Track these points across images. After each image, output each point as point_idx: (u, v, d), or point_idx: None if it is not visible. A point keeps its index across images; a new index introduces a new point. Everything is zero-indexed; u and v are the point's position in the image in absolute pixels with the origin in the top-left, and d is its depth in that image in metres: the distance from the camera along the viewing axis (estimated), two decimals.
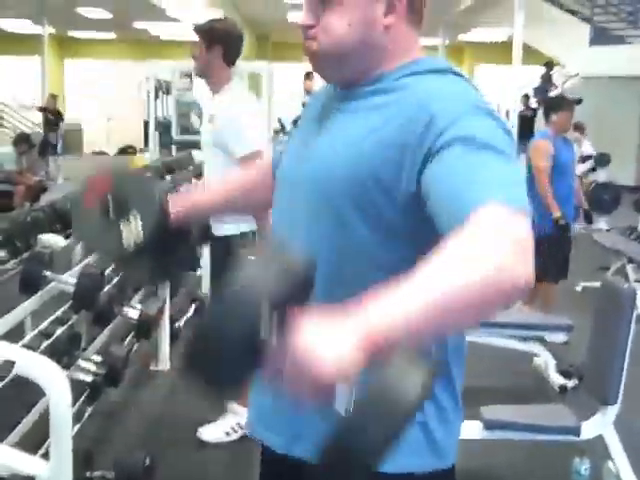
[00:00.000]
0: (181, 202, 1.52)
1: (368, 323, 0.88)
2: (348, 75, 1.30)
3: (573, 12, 13.26)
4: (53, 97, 14.76)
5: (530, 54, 12.84)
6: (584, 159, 10.78)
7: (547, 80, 14.72)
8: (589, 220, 6.59)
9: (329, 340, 0.86)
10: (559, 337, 4.85)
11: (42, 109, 14.24)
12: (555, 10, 13.31)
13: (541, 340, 4.49)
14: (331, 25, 1.24)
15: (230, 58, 3.32)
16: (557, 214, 4.81)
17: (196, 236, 1.62)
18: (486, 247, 0.95)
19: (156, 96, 11.36)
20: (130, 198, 1.38)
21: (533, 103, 14.90)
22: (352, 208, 1.21)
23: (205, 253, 4.69)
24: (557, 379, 4.33)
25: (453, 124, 1.12)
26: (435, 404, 1.26)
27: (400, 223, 1.20)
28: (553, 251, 4.90)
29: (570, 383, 4.28)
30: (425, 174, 1.13)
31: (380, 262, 1.22)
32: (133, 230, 1.35)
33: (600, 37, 12.83)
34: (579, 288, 6.52)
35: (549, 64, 13.37)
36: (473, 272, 0.93)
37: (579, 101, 5.39)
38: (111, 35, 19.09)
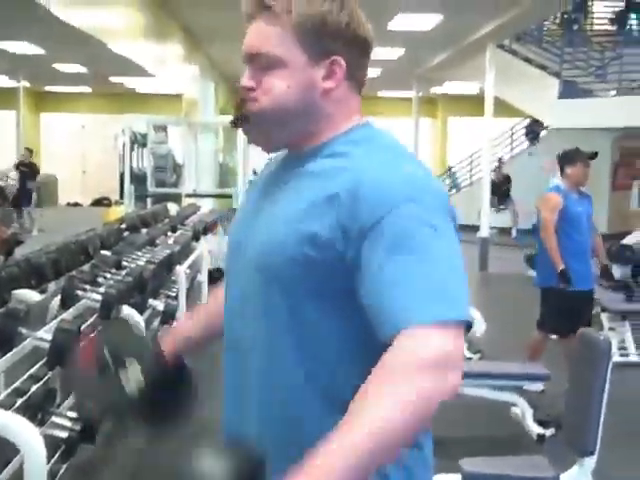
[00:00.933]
0: (172, 339, 1.51)
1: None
2: (286, 139, 1.31)
3: (542, 67, 13.57)
4: (29, 150, 14.78)
5: (501, 107, 13.09)
6: None
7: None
8: (608, 277, 6.32)
9: None
10: (536, 386, 4.89)
11: (17, 166, 14.27)
12: (525, 65, 13.62)
13: (518, 389, 4.50)
14: (271, 86, 1.26)
15: None
16: (560, 267, 4.83)
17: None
18: (407, 381, 1.05)
19: (132, 148, 11.41)
20: (123, 348, 1.41)
21: (505, 170, 15.16)
22: (303, 294, 1.22)
23: None
24: (535, 428, 4.33)
25: (383, 218, 1.14)
26: (407, 474, 1.26)
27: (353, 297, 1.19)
28: (556, 303, 4.99)
29: (548, 432, 4.28)
30: (358, 272, 1.16)
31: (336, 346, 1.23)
32: (132, 377, 1.37)
33: (569, 91, 13.13)
34: (554, 336, 6.55)
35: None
36: (399, 409, 1.04)
37: (594, 155, 5.36)
38: (87, 89, 19.20)
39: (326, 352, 1.22)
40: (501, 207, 14.13)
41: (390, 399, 1.04)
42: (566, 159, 5.11)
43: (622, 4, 15.30)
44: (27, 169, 14.38)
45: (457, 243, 1.19)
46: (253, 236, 1.28)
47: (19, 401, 2.49)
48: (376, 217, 1.14)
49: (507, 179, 14.56)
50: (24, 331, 2.68)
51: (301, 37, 1.25)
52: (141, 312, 4.47)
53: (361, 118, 1.33)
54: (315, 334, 1.22)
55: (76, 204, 20.11)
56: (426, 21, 10.15)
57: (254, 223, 1.30)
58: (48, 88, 19.59)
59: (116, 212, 10.26)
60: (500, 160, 14.84)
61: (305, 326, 1.22)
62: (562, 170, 5.09)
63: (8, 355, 2.65)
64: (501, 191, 14.19)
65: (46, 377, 2.88)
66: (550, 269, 4.90)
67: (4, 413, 2.18)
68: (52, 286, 4.18)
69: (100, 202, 19.14)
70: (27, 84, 16.15)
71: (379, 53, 12.80)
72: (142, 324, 4.08)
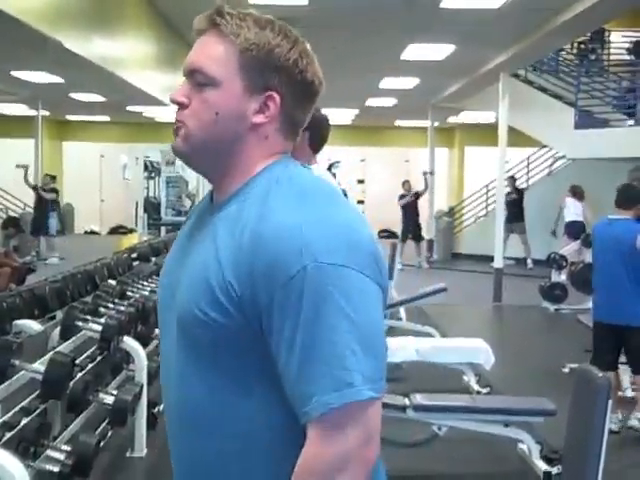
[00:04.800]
0: None
1: None
2: (207, 167, 1.28)
3: (558, 97, 13.55)
4: (52, 178, 14.85)
5: (517, 136, 13.07)
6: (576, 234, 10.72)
7: None
8: None
9: None
10: (543, 421, 4.80)
11: (34, 187, 14.33)
12: (541, 95, 13.61)
13: (525, 425, 4.43)
14: (200, 109, 1.23)
15: (316, 144, 3.30)
16: None
17: None
18: None
19: (150, 177, 11.53)
20: None
21: (520, 184, 15.08)
22: (223, 352, 1.19)
23: None
24: (541, 465, 4.25)
25: (292, 278, 1.10)
26: None
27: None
28: None
29: (554, 470, 4.20)
30: (270, 337, 1.14)
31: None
32: None
33: (585, 121, 13.09)
34: (566, 370, 6.47)
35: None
36: None
37: None
38: (106, 118, 19.42)
39: (250, 435, 1.19)
40: (511, 228, 13.64)
41: None
42: None
43: None
44: (48, 195, 14.41)
45: (375, 301, 1.15)
46: (178, 284, 1.24)
47: (8, 435, 2.48)
48: (286, 274, 1.10)
49: (519, 193, 14.31)
50: (17, 363, 2.67)
51: (242, 64, 1.21)
52: (146, 344, 4.47)
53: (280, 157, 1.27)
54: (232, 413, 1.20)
55: (93, 232, 20.24)
56: (439, 51, 10.18)
57: (180, 270, 1.26)
58: (69, 117, 19.82)
59: (130, 240, 10.32)
60: (512, 177, 14.69)
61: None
62: None
63: (1, 387, 2.65)
64: (514, 210, 13.94)
65: (39, 409, 2.88)
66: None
67: None
68: (59, 314, 4.20)
69: (117, 230, 19.26)
70: (46, 113, 16.35)
71: (394, 83, 12.87)
72: (144, 357, 4.08)
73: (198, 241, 1.25)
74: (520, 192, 14.43)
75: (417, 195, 14.85)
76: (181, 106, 1.25)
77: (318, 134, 3.27)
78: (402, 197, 14.89)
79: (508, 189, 13.73)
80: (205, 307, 1.15)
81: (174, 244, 1.38)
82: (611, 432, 2.81)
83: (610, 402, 2.70)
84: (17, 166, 13.69)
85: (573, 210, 11.92)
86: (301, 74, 1.24)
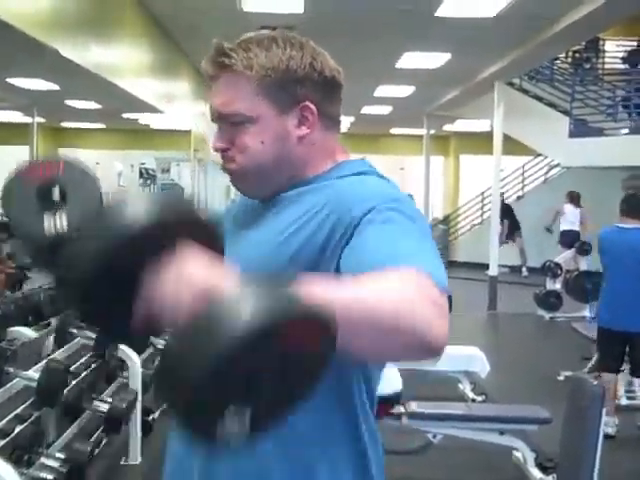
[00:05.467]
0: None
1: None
2: (269, 190, 1.30)
3: (553, 105, 13.59)
4: None
5: (514, 145, 13.10)
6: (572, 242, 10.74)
7: None
8: None
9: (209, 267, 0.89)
10: (538, 429, 4.80)
11: None
12: (535, 103, 13.65)
13: (520, 432, 4.42)
14: (245, 145, 1.25)
15: None
16: None
17: None
18: (414, 290, 0.95)
19: (145, 184, 11.51)
20: (70, 189, 1.28)
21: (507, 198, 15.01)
22: None
23: None
24: (536, 473, 4.25)
25: (371, 212, 1.14)
26: None
27: None
28: None
29: (550, 478, 4.19)
30: (344, 253, 1.14)
31: None
32: (59, 221, 1.24)
33: (579, 129, 13.13)
34: (561, 378, 6.48)
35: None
36: (400, 299, 0.93)
37: None
38: (101, 125, 19.41)
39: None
40: (505, 240, 13.71)
41: (394, 291, 0.94)
42: None
43: (634, 43, 15.34)
44: None
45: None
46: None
47: (2, 442, 2.48)
48: (363, 210, 1.14)
49: (507, 209, 14.27)
50: (11, 370, 2.67)
51: (267, 90, 1.23)
52: (140, 351, 4.46)
53: (344, 155, 1.32)
54: None
55: None
56: (434, 60, 10.20)
57: (233, 251, 1.28)
58: (65, 124, 19.81)
59: None
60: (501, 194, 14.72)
61: None
62: None
63: None
64: (509, 226, 14.00)
65: (33, 416, 2.87)
66: None
67: None
68: (54, 322, 4.20)
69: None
70: (42, 120, 16.35)
71: (389, 91, 12.88)
72: (138, 364, 4.07)
73: (257, 225, 1.28)
74: (506, 205, 14.29)
75: None
76: (225, 151, 1.28)
77: None
78: None
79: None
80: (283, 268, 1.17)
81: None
82: (607, 436, 2.81)
83: (604, 410, 2.71)
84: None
85: (570, 218, 11.93)
86: (320, 74, 1.27)
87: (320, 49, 1.30)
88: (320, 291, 0.87)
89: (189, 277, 0.86)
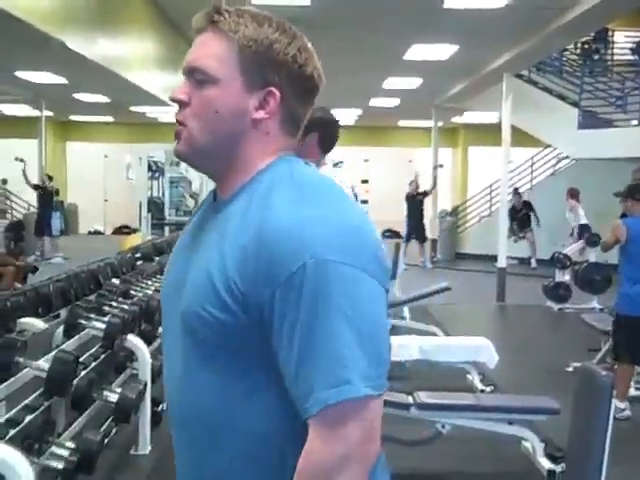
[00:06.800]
0: None
1: None
2: (208, 168, 1.28)
3: (562, 97, 13.54)
4: (49, 178, 14.91)
5: (522, 136, 13.05)
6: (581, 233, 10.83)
7: None
8: None
9: None
10: (547, 420, 4.80)
11: (37, 187, 14.36)
12: (544, 95, 13.60)
13: (529, 423, 4.42)
14: (200, 109, 1.22)
15: (325, 145, 3.30)
16: None
17: None
18: None
19: (153, 177, 11.54)
20: None
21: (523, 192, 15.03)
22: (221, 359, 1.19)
23: None
24: (545, 463, 4.25)
25: (294, 273, 1.10)
26: None
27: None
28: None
29: (558, 468, 4.19)
30: (271, 329, 1.14)
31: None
32: None
33: (588, 121, 13.07)
34: (570, 369, 6.46)
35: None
36: None
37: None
38: (110, 118, 19.44)
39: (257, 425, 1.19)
40: (521, 235, 13.91)
41: None
42: None
43: None
44: (45, 194, 14.46)
45: (376, 299, 1.14)
46: (183, 283, 1.24)
47: (12, 432, 2.49)
48: (287, 271, 1.10)
49: (527, 205, 14.37)
50: (21, 360, 2.68)
51: (242, 60, 1.21)
52: (149, 342, 4.48)
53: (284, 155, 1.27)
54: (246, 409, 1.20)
55: (97, 232, 20.28)
56: (442, 51, 10.18)
57: (185, 268, 1.25)
58: (73, 117, 19.86)
59: (134, 240, 10.33)
60: (516, 190, 14.72)
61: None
62: None
63: (5, 384, 2.65)
64: (520, 218, 14.02)
65: (43, 406, 2.89)
66: None
67: None
68: (63, 313, 4.21)
69: (120, 230, 19.29)
70: (50, 113, 16.38)
71: (397, 83, 12.86)
72: (147, 355, 4.09)
73: (202, 240, 1.24)
74: (528, 204, 14.38)
75: (425, 194, 14.85)
76: (181, 105, 1.24)
77: (328, 135, 3.27)
78: (411, 197, 14.84)
79: (512, 201, 13.70)
80: (209, 307, 1.15)
81: (178, 242, 1.37)
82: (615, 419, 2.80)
83: (613, 401, 2.70)
84: (15, 159, 13.72)
85: (582, 212, 11.96)
86: (300, 69, 1.23)
87: (311, 48, 1.26)
88: None
89: None
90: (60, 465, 2.78)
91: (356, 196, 3.75)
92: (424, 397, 4.19)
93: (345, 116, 17.83)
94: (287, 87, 1.23)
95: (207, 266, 1.17)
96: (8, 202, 18.47)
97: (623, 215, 5.97)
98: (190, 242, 1.30)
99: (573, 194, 12.00)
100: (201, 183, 11.39)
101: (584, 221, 11.84)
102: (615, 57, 15.50)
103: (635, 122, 12.82)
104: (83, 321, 3.60)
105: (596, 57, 15.44)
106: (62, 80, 10.86)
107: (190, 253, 1.26)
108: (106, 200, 20.85)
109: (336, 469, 1.10)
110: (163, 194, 11.15)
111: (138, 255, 6.33)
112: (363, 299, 1.12)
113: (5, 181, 18.07)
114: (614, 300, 5.62)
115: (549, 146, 15.41)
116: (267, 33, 1.22)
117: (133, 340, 4.02)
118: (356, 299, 1.11)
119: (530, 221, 14.23)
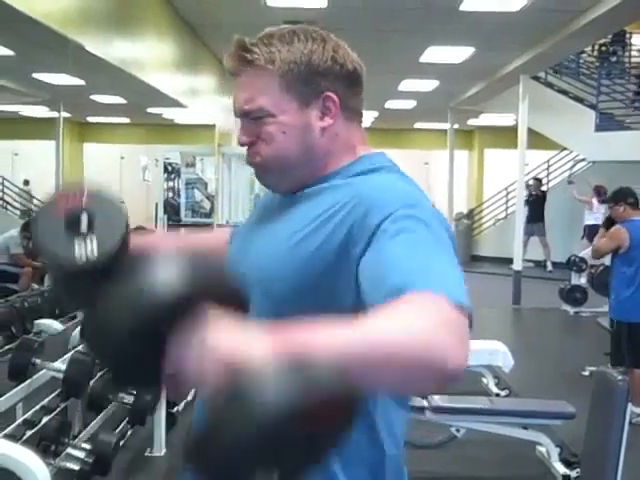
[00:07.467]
0: (141, 240, 1.42)
1: (288, 335, 0.85)
2: (292, 183, 1.31)
3: (579, 99, 13.47)
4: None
5: (537, 139, 12.98)
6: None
7: None
8: None
9: (239, 335, 0.86)
10: (562, 424, 4.78)
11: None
12: (561, 97, 13.54)
13: (544, 427, 4.41)
14: (269, 136, 1.26)
15: None
16: None
17: None
18: (427, 319, 0.92)
19: (169, 179, 11.58)
20: (97, 217, 1.29)
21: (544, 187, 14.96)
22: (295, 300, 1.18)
23: None
24: (560, 468, 4.23)
25: (387, 219, 1.12)
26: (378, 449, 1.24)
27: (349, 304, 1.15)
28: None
29: (574, 473, 4.18)
30: (360, 266, 1.13)
31: None
32: (89, 248, 1.24)
33: (605, 123, 13.00)
34: (586, 373, 6.43)
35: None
36: (414, 334, 0.89)
37: None
38: (126, 120, 19.53)
39: None
40: (529, 232, 13.54)
41: (413, 327, 0.90)
42: None
43: None
44: None
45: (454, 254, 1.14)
46: (249, 260, 1.27)
47: (29, 433, 2.51)
48: (380, 218, 1.12)
49: (542, 196, 14.18)
50: (38, 362, 2.70)
51: (288, 84, 1.24)
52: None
53: (366, 149, 1.32)
54: None
55: None
56: (458, 54, 10.15)
57: (250, 247, 1.30)
58: (90, 119, 19.96)
59: None
60: (539, 179, 14.58)
61: None
62: None
63: (22, 385, 2.67)
64: (535, 209, 13.85)
65: (59, 407, 2.91)
66: None
67: (9, 444, 2.20)
68: (80, 315, 4.24)
69: (136, 231, 19.37)
70: (67, 115, 16.49)
71: (413, 85, 12.84)
72: None
73: (276, 220, 1.28)
74: (543, 192, 14.30)
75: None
76: (251, 145, 1.29)
77: None
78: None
79: (531, 187, 13.62)
80: (298, 270, 1.18)
81: (239, 231, 1.43)
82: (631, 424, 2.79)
83: (629, 405, 2.70)
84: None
85: (595, 213, 11.85)
86: (342, 67, 1.27)
87: (341, 42, 1.30)
88: (336, 344, 0.86)
89: (216, 345, 0.85)
90: (76, 467, 2.80)
91: None
92: (439, 400, 4.18)
93: None
94: (338, 87, 1.27)
95: (290, 235, 1.21)
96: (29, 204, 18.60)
97: (609, 220, 5.75)
98: (259, 222, 1.35)
99: (598, 192, 11.87)
100: (217, 185, 11.42)
101: (590, 222, 11.76)
102: (633, 59, 15.39)
103: None
104: None
105: (613, 59, 15.33)
106: (79, 82, 10.91)
107: (260, 231, 1.31)
108: (122, 201, 20.93)
109: (452, 325, 0.93)
110: (179, 195, 11.17)
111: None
112: (445, 242, 1.13)
113: (27, 182, 18.20)
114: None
115: (565, 149, 15.33)
116: (300, 49, 1.24)
117: None
118: (442, 236, 1.13)
119: (543, 215, 14.03)
